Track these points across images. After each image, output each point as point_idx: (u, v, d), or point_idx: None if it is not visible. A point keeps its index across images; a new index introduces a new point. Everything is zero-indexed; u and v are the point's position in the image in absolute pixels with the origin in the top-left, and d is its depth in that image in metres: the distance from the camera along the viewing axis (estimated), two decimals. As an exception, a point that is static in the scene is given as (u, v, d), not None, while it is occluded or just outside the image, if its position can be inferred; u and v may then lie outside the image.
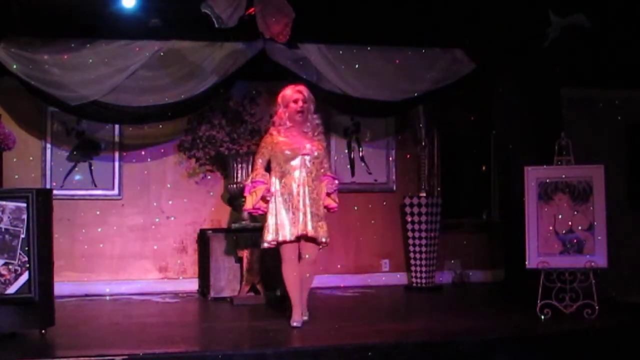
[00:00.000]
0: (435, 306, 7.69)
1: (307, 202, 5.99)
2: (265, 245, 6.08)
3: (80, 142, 8.20)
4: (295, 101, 6.09)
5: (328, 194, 6.16)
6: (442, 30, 7.67)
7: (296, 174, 6.02)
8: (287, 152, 6.04)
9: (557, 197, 6.71)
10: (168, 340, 5.69)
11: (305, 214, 5.97)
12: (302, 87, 6.25)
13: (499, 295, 8.21)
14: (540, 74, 7.76)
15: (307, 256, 6.10)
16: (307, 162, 6.05)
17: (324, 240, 6.07)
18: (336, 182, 6.23)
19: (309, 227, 5.96)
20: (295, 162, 6.04)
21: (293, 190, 6.00)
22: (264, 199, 6.02)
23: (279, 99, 6.18)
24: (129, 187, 8.30)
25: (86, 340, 5.76)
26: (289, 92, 6.17)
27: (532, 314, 6.45)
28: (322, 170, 6.17)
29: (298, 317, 6.06)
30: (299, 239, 6.02)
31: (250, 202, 6.08)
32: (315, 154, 6.09)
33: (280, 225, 5.98)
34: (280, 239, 6.00)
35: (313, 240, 6.05)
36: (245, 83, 8.18)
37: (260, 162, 6.11)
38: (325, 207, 6.16)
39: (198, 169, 8.38)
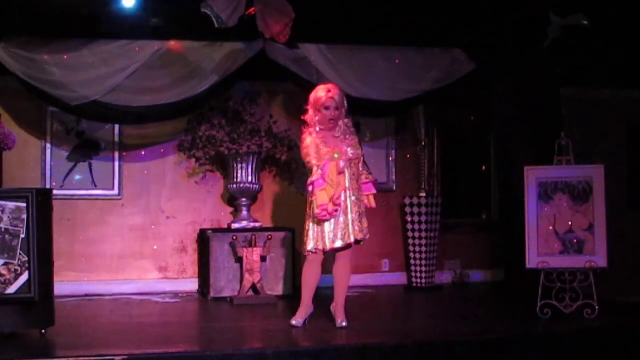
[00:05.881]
0: (435, 306, 7.70)
1: (352, 206, 5.86)
2: (306, 253, 5.90)
3: (80, 142, 8.19)
4: (327, 108, 5.85)
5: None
6: (442, 30, 7.68)
7: (340, 179, 5.82)
8: (335, 156, 5.82)
9: (557, 197, 6.70)
10: (168, 340, 5.69)
11: (352, 218, 5.84)
12: (334, 91, 5.90)
13: (499, 295, 8.22)
14: (540, 74, 7.76)
15: (341, 256, 5.96)
16: (351, 165, 5.89)
17: (367, 237, 5.98)
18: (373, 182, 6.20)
19: (357, 231, 5.85)
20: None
21: (340, 196, 5.81)
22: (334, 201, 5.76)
23: (311, 100, 5.93)
24: (129, 187, 8.29)
25: (86, 340, 5.76)
26: (322, 95, 5.87)
27: (532, 314, 6.45)
28: (363, 176, 6.04)
29: (299, 317, 6.04)
30: (348, 245, 5.88)
31: (324, 197, 5.72)
32: (356, 156, 5.95)
33: (325, 232, 5.82)
34: (328, 246, 5.84)
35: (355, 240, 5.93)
36: (245, 83, 8.19)
37: (316, 165, 5.80)
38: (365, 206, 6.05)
39: (198, 169, 8.38)
